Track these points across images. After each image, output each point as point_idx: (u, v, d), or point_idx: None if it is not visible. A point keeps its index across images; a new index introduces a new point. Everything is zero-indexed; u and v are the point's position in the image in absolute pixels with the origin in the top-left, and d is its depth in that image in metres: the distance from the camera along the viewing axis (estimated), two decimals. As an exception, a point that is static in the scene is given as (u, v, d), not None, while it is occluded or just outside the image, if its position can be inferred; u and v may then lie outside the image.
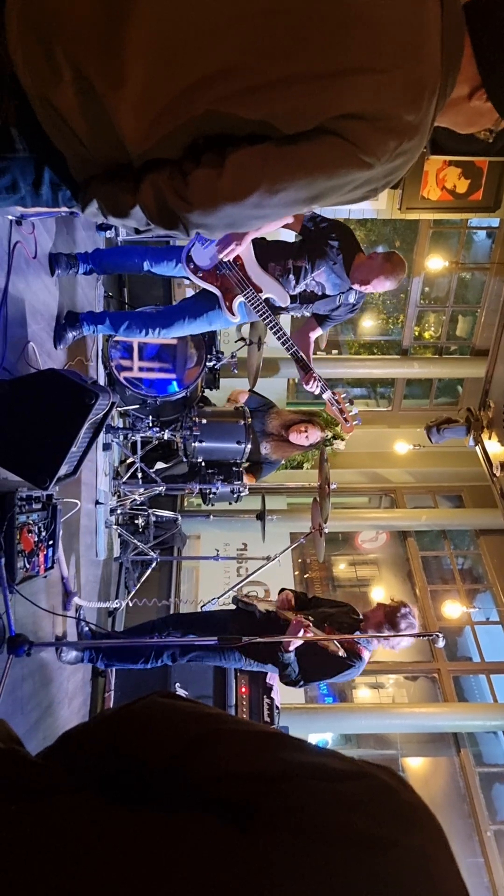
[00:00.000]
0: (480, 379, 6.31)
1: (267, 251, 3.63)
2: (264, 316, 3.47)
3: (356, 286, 3.64)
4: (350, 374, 8.27)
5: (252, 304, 3.47)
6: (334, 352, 8.81)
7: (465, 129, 1.29)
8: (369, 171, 1.15)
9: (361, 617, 3.80)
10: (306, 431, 5.05)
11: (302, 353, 3.57)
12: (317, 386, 3.64)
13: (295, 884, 0.62)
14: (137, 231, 1.27)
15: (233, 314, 3.53)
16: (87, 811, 0.74)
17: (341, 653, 3.24)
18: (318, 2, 1.06)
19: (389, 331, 9.07)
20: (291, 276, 3.60)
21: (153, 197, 1.16)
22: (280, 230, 3.78)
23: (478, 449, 6.10)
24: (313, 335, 3.92)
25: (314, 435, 5.11)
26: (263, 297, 3.46)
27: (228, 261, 3.42)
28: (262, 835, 0.66)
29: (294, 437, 5.10)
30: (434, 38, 1.11)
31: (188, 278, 3.60)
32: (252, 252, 3.46)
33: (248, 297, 3.45)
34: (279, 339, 3.48)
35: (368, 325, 9.09)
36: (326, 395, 3.66)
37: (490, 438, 5.94)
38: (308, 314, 3.89)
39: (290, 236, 3.88)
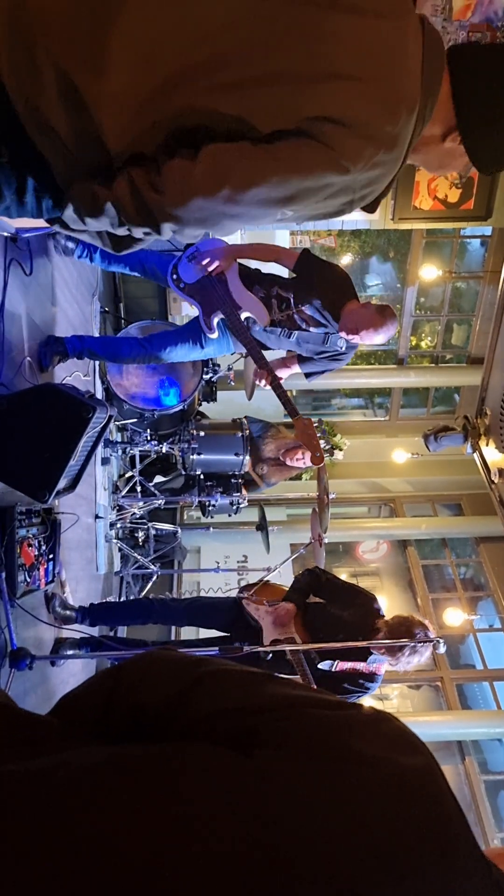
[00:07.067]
0: (477, 387, 6.32)
1: (256, 276, 3.66)
2: (240, 334, 3.41)
3: (343, 334, 3.56)
4: (347, 384, 8.30)
5: (230, 321, 3.44)
6: (331, 363, 8.83)
7: (436, 171, 1.32)
8: (344, 176, 1.16)
9: (378, 626, 3.42)
10: (303, 457, 5.08)
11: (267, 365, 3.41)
12: (265, 384, 3.54)
13: (297, 795, 0.65)
14: (113, 240, 1.27)
15: (210, 329, 3.51)
16: (90, 750, 0.78)
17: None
18: (303, 15, 1.09)
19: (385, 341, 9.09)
20: (274, 302, 3.59)
21: (128, 189, 1.17)
22: (275, 266, 3.78)
23: (476, 456, 6.10)
24: (291, 368, 3.96)
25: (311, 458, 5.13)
26: (243, 317, 3.42)
27: (213, 277, 3.43)
28: (262, 755, 0.69)
29: (290, 461, 5.13)
30: (415, 60, 1.15)
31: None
32: (237, 271, 3.47)
33: (226, 314, 3.42)
34: (249, 350, 3.40)
35: (364, 335, 9.11)
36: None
37: (487, 445, 5.95)
38: (292, 350, 3.88)
39: (284, 273, 3.88)
